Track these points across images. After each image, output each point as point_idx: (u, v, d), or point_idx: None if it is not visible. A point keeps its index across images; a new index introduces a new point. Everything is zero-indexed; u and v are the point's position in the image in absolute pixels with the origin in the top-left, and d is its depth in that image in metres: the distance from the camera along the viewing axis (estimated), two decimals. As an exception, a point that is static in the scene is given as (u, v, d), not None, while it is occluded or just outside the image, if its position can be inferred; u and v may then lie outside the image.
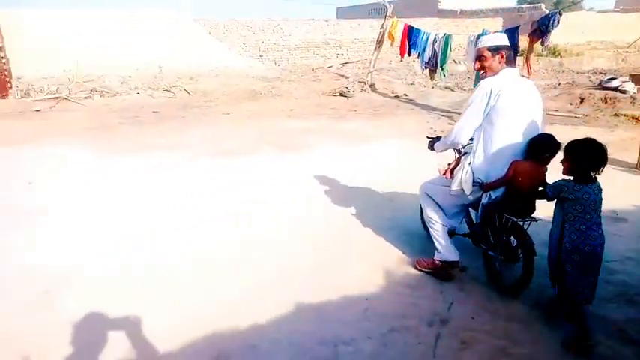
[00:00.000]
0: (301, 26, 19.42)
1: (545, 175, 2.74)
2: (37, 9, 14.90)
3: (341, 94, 13.57)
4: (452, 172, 3.12)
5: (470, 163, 2.87)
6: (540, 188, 2.68)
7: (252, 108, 11.67)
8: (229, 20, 18.27)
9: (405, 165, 5.95)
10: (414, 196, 3.73)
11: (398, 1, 19.84)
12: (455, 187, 2.94)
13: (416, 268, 3.28)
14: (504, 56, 2.87)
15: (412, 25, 11.87)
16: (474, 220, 3.25)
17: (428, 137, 3.52)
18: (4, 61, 13.06)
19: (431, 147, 3.38)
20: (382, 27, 13.53)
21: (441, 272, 3.14)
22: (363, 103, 12.23)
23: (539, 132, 2.78)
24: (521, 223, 2.80)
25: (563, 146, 2.51)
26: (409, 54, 12.18)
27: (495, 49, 2.87)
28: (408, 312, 2.73)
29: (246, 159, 6.53)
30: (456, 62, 16.95)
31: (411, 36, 11.73)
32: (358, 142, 7.46)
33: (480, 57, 2.93)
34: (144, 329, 2.61)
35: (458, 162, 3.14)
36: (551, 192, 2.54)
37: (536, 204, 2.80)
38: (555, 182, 2.53)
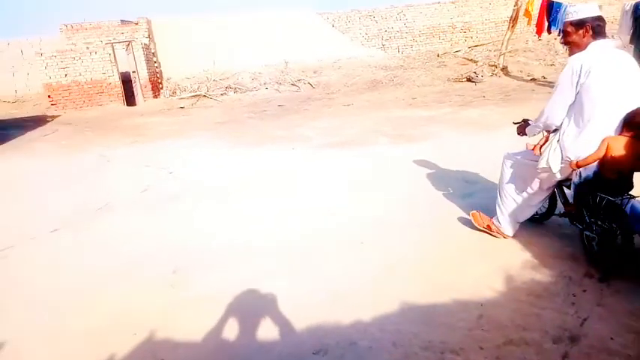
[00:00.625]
0: (426, 11, 18.66)
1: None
2: (179, 16, 16.67)
3: (468, 80, 12.76)
4: (540, 148, 2.99)
5: (558, 141, 2.78)
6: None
7: (373, 98, 11.57)
8: (352, 11, 18.32)
9: (538, 156, 5.31)
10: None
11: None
12: (542, 164, 2.86)
13: (473, 222, 3.44)
14: (590, 29, 2.68)
15: (552, -1, 10.59)
16: (569, 200, 3.07)
17: (514, 123, 3.32)
18: (156, 65, 14.87)
19: (521, 132, 3.20)
20: (516, 3, 12.33)
21: (492, 235, 3.32)
22: (493, 88, 11.31)
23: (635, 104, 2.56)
24: (618, 202, 2.61)
25: None
26: (548, 31, 10.91)
27: (579, 24, 2.72)
28: (529, 324, 2.40)
29: (362, 149, 6.46)
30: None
31: (550, 11, 10.49)
32: (482, 131, 6.89)
33: (564, 31, 2.79)
34: (254, 311, 2.71)
35: (547, 139, 2.96)
36: None
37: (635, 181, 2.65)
38: None
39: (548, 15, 10.52)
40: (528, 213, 3.23)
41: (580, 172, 2.72)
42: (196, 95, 13.92)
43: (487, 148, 5.93)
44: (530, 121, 3.09)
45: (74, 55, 12.97)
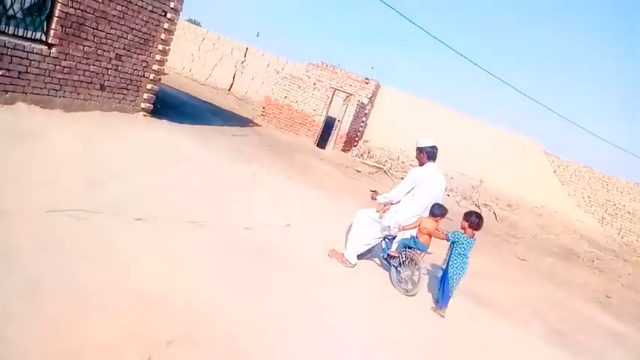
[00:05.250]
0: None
1: (438, 227, 4.57)
2: (406, 91, 16.81)
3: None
4: (384, 211, 4.76)
5: (396, 211, 4.69)
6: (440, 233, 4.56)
7: (557, 267, 9.44)
8: (584, 167, 16.01)
9: None
10: None
11: None
12: (385, 223, 4.75)
13: (329, 255, 4.86)
14: (425, 154, 4.73)
15: None
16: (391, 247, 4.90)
17: (371, 190, 5.24)
18: (362, 124, 15.18)
19: (373, 198, 4.89)
20: None
21: (342, 264, 4.76)
22: None
23: (437, 201, 4.67)
24: (419, 252, 4.59)
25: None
26: None
27: (418, 150, 4.80)
28: None
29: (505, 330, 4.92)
30: None
31: None
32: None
33: (416, 152, 4.87)
34: None
35: (389, 208, 4.76)
36: (450, 237, 4.37)
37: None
38: (454, 232, 4.37)
39: None
40: (364, 250, 4.91)
41: (404, 232, 4.66)
42: (378, 167, 13.63)
43: None
44: (379, 193, 4.88)
45: (301, 84, 14.07)
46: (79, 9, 5.90)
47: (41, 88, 5.76)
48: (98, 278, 2.74)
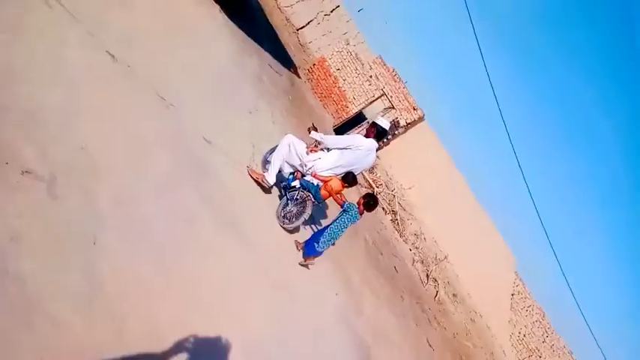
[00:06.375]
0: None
1: (342, 190, 4.89)
2: (441, 138, 16.40)
3: None
4: (311, 150, 4.97)
5: (320, 158, 4.88)
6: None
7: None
8: (539, 309, 15.74)
9: None
10: None
11: None
12: (305, 160, 4.88)
13: (248, 173, 4.98)
14: (372, 130, 4.98)
15: None
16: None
17: (313, 124, 5.21)
18: (385, 140, 14.74)
19: (309, 132, 5.00)
20: None
21: (260, 185, 4.97)
22: None
23: (355, 172, 4.96)
24: (313, 200, 4.84)
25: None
26: None
27: (372, 124, 5.08)
28: None
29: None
30: None
31: None
32: None
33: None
34: None
35: (317, 149, 4.98)
36: (345, 205, 4.74)
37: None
38: (351, 203, 4.77)
39: None
40: (279, 172, 5.04)
41: (314, 178, 4.83)
42: (370, 185, 13.32)
43: None
44: (318, 131, 5.01)
45: (359, 69, 13.63)
46: None
47: None
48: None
